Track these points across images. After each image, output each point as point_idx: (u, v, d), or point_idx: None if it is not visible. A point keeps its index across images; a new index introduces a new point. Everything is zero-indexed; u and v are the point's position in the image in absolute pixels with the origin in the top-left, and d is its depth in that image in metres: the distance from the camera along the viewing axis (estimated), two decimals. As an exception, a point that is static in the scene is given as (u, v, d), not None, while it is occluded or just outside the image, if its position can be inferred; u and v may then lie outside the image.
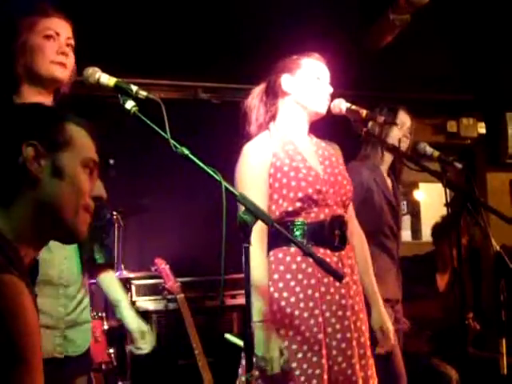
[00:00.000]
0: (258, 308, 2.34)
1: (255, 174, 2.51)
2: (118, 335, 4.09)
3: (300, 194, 2.48)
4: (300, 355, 2.39)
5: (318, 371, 2.38)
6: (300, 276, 2.45)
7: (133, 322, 2.62)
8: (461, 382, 4.02)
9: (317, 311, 2.43)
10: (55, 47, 2.22)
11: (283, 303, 2.43)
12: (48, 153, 1.44)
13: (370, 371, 2.53)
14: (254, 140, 2.60)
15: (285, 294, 2.44)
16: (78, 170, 1.48)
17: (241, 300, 4.35)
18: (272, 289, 2.45)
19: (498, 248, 3.22)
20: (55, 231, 1.48)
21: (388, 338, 2.72)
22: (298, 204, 2.48)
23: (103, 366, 3.68)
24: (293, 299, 2.43)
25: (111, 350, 3.81)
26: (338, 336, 2.45)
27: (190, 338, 3.89)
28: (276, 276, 2.46)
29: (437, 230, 4.72)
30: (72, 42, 2.29)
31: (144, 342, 2.64)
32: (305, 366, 2.38)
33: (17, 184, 1.42)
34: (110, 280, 2.63)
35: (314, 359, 2.39)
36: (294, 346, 2.39)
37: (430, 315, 4.36)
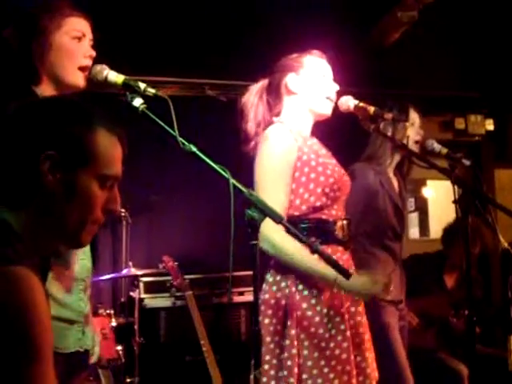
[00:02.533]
0: (324, 270, 2.30)
1: (283, 164, 2.48)
2: (126, 332, 4.10)
3: (327, 190, 2.49)
4: (328, 352, 2.38)
5: (347, 367, 2.39)
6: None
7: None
8: (470, 378, 4.01)
9: (343, 309, 2.44)
10: (82, 50, 2.17)
11: (313, 301, 2.42)
12: (65, 167, 1.40)
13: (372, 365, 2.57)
14: (277, 130, 2.54)
15: (314, 292, 2.43)
16: (94, 188, 1.43)
17: (248, 297, 4.36)
18: (301, 286, 2.43)
19: (506, 245, 3.20)
20: (58, 238, 1.47)
21: None
22: (324, 199, 2.49)
23: (111, 363, 3.69)
24: (313, 300, 2.42)
25: (119, 347, 3.82)
26: (353, 331, 2.46)
27: (198, 335, 3.90)
28: (290, 274, 2.45)
29: (447, 235, 4.69)
30: (92, 42, 2.24)
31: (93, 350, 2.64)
32: (333, 362, 2.38)
33: (29, 191, 1.40)
34: None
35: (344, 356, 2.39)
36: (323, 344, 2.39)
37: (438, 311, 4.35)
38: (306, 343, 2.38)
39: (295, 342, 2.37)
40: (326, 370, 2.36)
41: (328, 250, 2.44)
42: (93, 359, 2.35)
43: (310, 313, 2.40)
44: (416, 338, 3.72)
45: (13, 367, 1.22)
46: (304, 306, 2.41)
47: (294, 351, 2.37)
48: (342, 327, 2.41)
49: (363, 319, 2.54)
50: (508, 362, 3.40)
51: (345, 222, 2.54)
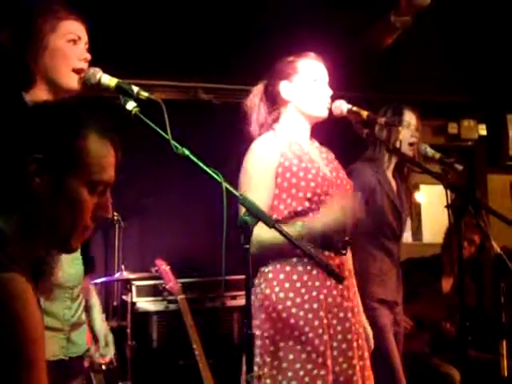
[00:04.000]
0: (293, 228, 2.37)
1: (263, 169, 2.52)
2: (119, 336, 4.08)
3: (309, 194, 2.49)
4: (304, 356, 2.39)
5: (322, 372, 2.39)
6: (305, 277, 2.46)
7: (103, 327, 2.62)
8: (462, 383, 4.02)
9: (322, 313, 2.44)
10: (77, 52, 2.15)
11: (289, 303, 2.44)
12: (53, 171, 1.39)
13: (367, 372, 2.57)
14: (262, 138, 2.60)
15: (290, 295, 2.44)
16: (82, 193, 1.42)
17: (241, 301, 4.35)
18: (277, 289, 2.46)
19: (498, 250, 3.21)
20: (48, 242, 1.46)
21: (368, 341, 2.72)
22: (307, 204, 2.49)
23: (103, 367, 3.67)
24: (298, 300, 2.44)
25: (111, 351, 3.80)
26: (339, 337, 2.47)
27: (191, 339, 3.89)
28: (282, 276, 2.47)
29: (446, 237, 4.70)
30: (87, 46, 2.23)
31: (107, 349, 2.64)
32: (309, 366, 2.39)
33: (17, 194, 1.39)
34: (87, 284, 2.63)
35: (320, 360, 2.39)
36: (299, 347, 2.40)
37: (432, 315, 4.36)
38: (281, 344, 2.41)
39: (271, 342, 2.42)
40: (301, 373, 2.38)
41: None
42: (107, 358, 2.37)
43: (284, 314, 2.43)
44: (409, 343, 3.71)
45: (4, 373, 1.22)
46: (279, 307, 2.43)
47: (272, 348, 2.42)
48: (320, 331, 2.42)
49: (355, 327, 2.53)
50: (500, 366, 3.40)
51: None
